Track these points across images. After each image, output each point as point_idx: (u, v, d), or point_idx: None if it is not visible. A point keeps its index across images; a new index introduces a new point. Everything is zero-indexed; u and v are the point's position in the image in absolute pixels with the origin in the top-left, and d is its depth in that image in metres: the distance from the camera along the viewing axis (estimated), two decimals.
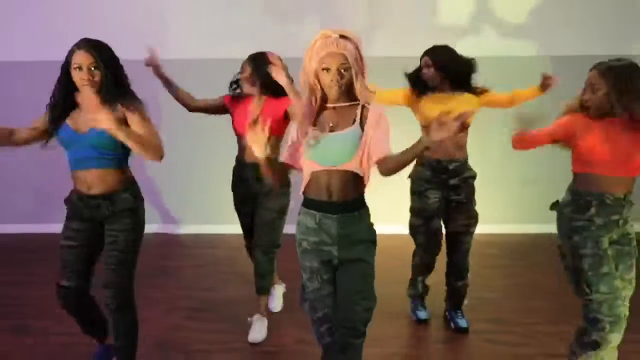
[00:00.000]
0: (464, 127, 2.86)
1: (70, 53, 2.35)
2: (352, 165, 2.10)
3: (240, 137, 3.06)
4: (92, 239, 2.48)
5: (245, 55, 3.03)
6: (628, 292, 2.32)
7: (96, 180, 2.41)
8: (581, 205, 2.27)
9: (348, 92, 2.11)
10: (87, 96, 2.28)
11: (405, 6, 4.62)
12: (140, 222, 2.51)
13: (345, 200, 2.14)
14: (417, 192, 3.06)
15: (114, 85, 2.37)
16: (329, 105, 2.14)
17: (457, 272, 3.13)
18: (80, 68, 2.31)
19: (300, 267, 2.24)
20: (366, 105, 2.13)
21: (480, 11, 4.59)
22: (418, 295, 3.22)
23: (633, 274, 2.33)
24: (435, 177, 3.00)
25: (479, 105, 2.98)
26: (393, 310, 3.21)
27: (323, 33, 2.09)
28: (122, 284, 2.47)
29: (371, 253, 2.22)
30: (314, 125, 2.14)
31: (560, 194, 2.41)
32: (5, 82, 4.74)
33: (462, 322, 3.09)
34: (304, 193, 2.20)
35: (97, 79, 2.33)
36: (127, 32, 4.41)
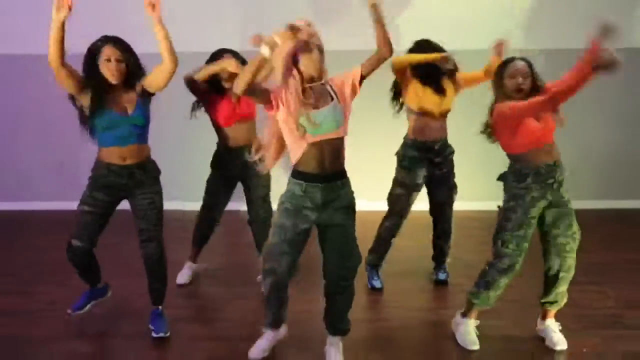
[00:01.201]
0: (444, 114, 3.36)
1: (97, 47, 2.68)
2: (341, 133, 2.43)
3: (223, 128, 3.37)
4: (109, 210, 2.86)
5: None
6: (573, 246, 2.78)
7: (132, 153, 2.80)
8: (520, 177, 2.69)
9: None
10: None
11: None
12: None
13: (335, 171, 2.45)
14: (406, 168, 3.44)
15: (137, 73, 2.76)
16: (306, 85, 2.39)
17: (445, 236, 3.61)
18: (109, 60, 2.66)
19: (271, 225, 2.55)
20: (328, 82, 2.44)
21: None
22: (377, 264, 3.59)
23: (573, 229, 2.77)
24: (422, 156, 3.41)
25: (455, 86, 3.40)
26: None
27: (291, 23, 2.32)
28: (160, 237, 2.93)
29: (351, 218, 2.55)
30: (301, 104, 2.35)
31: None
32: (18, 75, 5.06)
33: (443, 276, 3.61)
34: (294, 166, 2.45)
35: (123, 68, 2.70)
36: (135, 25, 4.71)
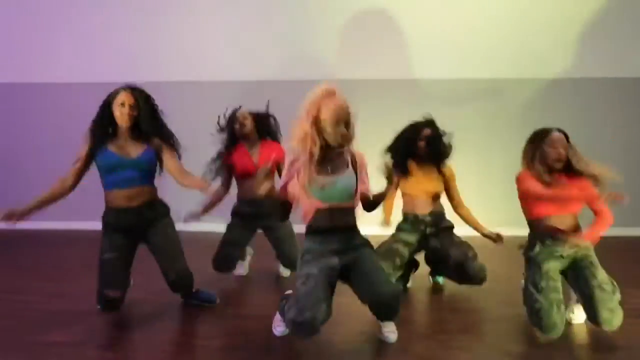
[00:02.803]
0: (437, 197, 3.46)
1: (115, 92, 2.87)
2: (352, 204, 2.52)
3: (248, 177, 3.52)
4: (130, 254, 2.96)
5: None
6: (604, 295, 2.65)
7: (137, 194, 2.91)
8: (530, 244, 2.88)
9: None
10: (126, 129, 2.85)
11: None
12: None
13: (347, 226, 2.54)
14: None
15: (150, 121, 2.88)
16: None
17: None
18: (122, 105, 2.84)
19: (295, 280, 2.49)
20: (349, 149, 2.50)
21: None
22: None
23: (599, 278, 2.69)
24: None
25: (441, 183, 3.43)
26: None
27: (326, 88, 2.36)
28: (184, 266, 3.03)
29: (370, 251, 2.56)
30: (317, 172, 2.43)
31: None
32: (41, 103, 5.35)
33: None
34: (308, 224, 2.54)
35: (134, 114, 2.86)
36: (164, 55, 4.98)
